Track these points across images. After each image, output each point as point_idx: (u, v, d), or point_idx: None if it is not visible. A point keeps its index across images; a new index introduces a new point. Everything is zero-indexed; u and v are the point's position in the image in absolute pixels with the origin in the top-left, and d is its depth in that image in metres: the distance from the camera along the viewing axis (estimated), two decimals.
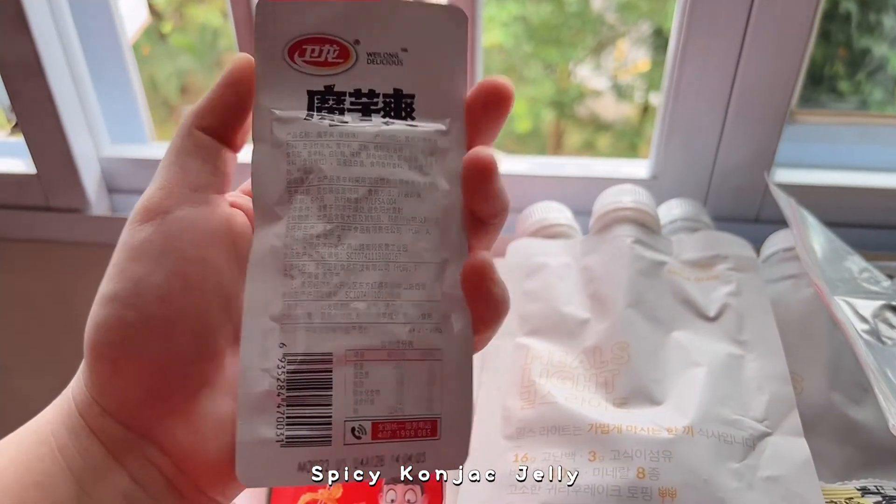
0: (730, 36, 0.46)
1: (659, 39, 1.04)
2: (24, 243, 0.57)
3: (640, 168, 0.54)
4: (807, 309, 0.39)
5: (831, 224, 0.53)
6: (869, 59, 0.68)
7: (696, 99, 0.49)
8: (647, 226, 0.41)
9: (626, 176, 0.53)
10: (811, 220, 0.44)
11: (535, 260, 0.42)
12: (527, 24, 1.90)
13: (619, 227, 0.41)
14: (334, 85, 0.22)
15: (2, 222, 0.57)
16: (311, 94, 0.22)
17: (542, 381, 0.35)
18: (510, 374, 0.36)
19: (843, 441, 0.34)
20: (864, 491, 0.31)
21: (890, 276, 0.43)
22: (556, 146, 1.23)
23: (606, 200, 0.43)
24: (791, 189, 0.53)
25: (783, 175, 0.54)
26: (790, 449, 0.31)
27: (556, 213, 0.46)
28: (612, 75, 1.10)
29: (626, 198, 0.42)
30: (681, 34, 0.47)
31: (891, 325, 0.37)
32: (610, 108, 1.10)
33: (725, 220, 0.54)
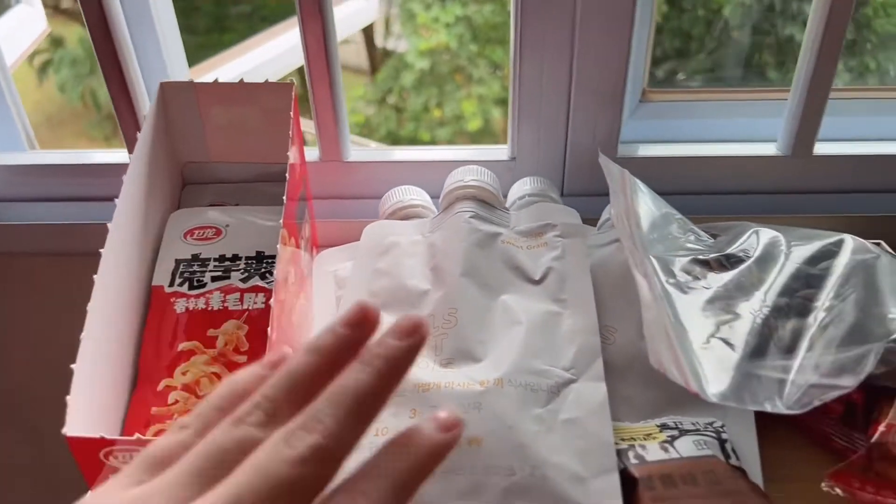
0: (561, 26, 0.50)
1: None
2: None
3: (501, 152, 0.58)
4: (624, 269, 0.43)
5: (676, 193, 0.58)
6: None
7: (539, 86, 0.53)
8: (486, 201, 0.45)
9: (488, 159, 0.56)
10: (643, 189, 0.48)
11: (387, 240, 0.44)
12: (471, 24, 1.94)
13: (460, 203, 0.44)
14: None
15: None
16: None
17: None
18: None
19: (649, 384, 0.37)
20: (663, 427, 0.35)
21: (714, 236, 0.47)
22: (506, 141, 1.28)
23: (450, 181, 0.46)
24: (637, 162, 0.58)
25: (631, 150, 0.58)
26: (590, 393, 0.34)
27: (412, 195, 0.49)
28: None
29: (468, 177, 0.45)
30: (517, 25, 0.50)
31: (695, 277, 0.41)
32: None
33: (582, 195, 0.58)
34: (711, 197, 0.58)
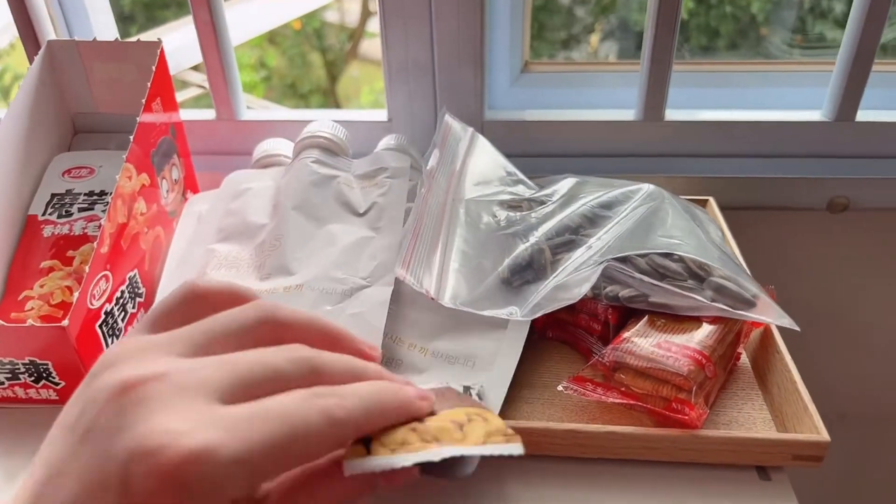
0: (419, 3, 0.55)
1: None
2: None
3: (381, 114, 0.63)
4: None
5: (542, 155, 0.63)
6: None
7: (405, 51, 0.58)
8: (330, 150, 0.50)
9: (367, 120, 0.62)
10: (483, 148, 0.53)
11: (242, 186, 0.50)
12: None
13: (307, 151, 0.50)
14: None
15: None
16: None
17: (211, 273, 0.43)
18: (193, 271, 0.45)
19: (437, 311, 0.40)
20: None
21: (542, 187, 0.52)
22: None
23: (303, 132, 0.52)
24: (506, 125, 0.63)
25: (503, 115, 0.63)
26: (377, 294, 0.40)
27: (278, 147, 0.55)
28: None
29: (316, 129, 0.51)
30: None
31: (494, 216, 0.46)
32: None
33: None
34: (574, 159, 0.63)
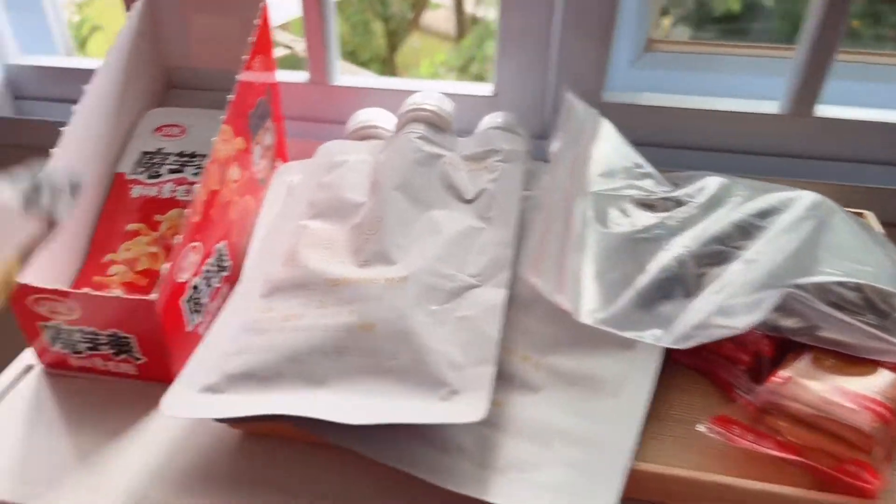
0: None
1: None
2: None
3: (486, 88, 0.57)
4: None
5: (667, 146, 0.56)
6: None
7: (523, 22, 0.52)
8: (436, 125, 0.45)
9: (471, 93, 0.56)
10: (610, 134, 0.47)
11: (337, 158, 0.46)
12: None
13: (411, 125, 0.45)
14: None
15: None
16: None
17: (304, 251, 0.39)
18: (284, 249, 0.41)
19: (553, 320, 0.35)
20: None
21: (677, 184, 0.45)
22: None
23: (406, 104, 0.47)
24: (626, 109, 0.56)
25: (624, 97, 0.56)
26: (489, 296, 0.35)
27: (376, 117, 0.50)
28: None
29: (422, 100, 0.46)
30: None
31: (626, 215, 0.39)
32: None
33: (541, 136, 0.56)
34: (705, 153, 0.56)
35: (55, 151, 0.38)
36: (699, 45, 0.61)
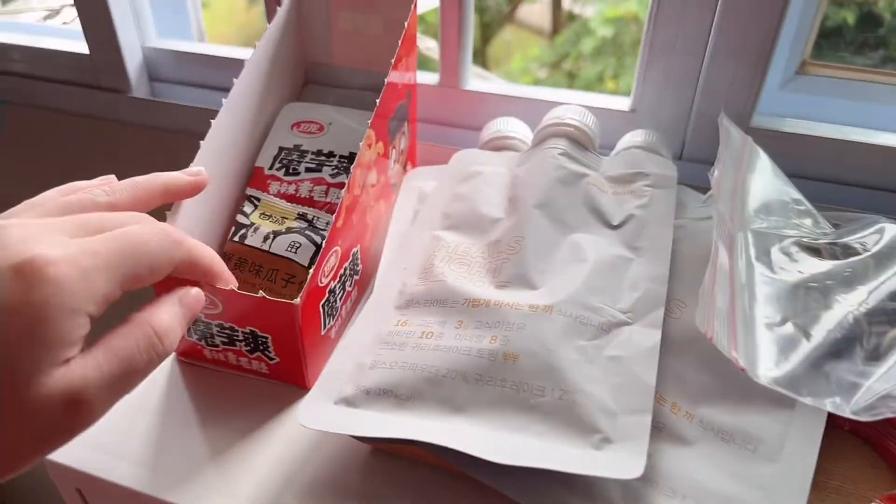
0: None
1: None
2: (75, 117, 0.67)
3: (623, 102, 0.55)
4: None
5: (816, 178, 0.52)
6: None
7: (674, 35, 0.49)
8: (579, 142, 0.43)
9: (607, 107, 0.54)
10: (765, 163, 0.44)
11: (472, 168, 0.44)
12: None
13: (552, 140, 0.43)
14: None
15: (59, 96, 0.67)
16: None
17: (440, 265, 0.38)
18: (419, 259, 0.40)
19: (705, 368, 0.33)
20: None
21: (837, 226, 0.41)
22: None
23: (548, 117, 0.45)
24: (776, 136, 0.52)
25: (772, 122, 0.52)
26: (642, 337, 0.33)
27: (511, 127, 0.48)
28: None
29: (565, 115, 0.44)
30: None
31: (793, 259, 0.36)
32: None
33: (703, 161, 0.53)
34: (863, 191, 0.51)
35: (203, 143, 0.38)
36: (860, 72, 0.56)
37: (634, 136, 0.48)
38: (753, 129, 0.51)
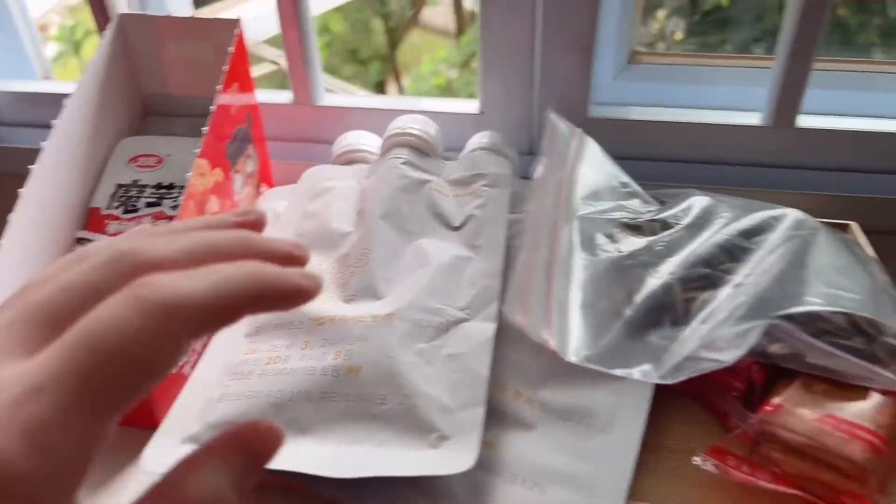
0: None
1: None
2: None
3: (472, 105, 0.57)
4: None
5: (651, 159, 0.56)
6: None
7: (505, 38, 0.51)
8: (420, 149, 0.44)
9: (456, 111, 0.56)
10: (594, 152, 0.46)
11: (323, 184, 0.45)
12: None
13: (395, 150, 0.44)
14: None
15: None
16: None
17: None
18: None
19: (542, 353, 0.34)
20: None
21: (663, 202, 0.45)
22: None
23: (390, 128, 0.46)
24: (612, 124, 0.55)
25: (609, 112, 0.56)
26: (478, 331, 0.34)
27: (362, 141, 0.49)
28: None
29: (405, 124, 0.45)
30: None
31: (613, 240, 0.39)
32: None
33: (529, 153, 0.56)
34: (690, 165, 0.56)
35: (22, 191, 0.37)
36: (683, 57, 0.61)
37: (480, 138, 0.50)
38: (591, 119, 0.55)
